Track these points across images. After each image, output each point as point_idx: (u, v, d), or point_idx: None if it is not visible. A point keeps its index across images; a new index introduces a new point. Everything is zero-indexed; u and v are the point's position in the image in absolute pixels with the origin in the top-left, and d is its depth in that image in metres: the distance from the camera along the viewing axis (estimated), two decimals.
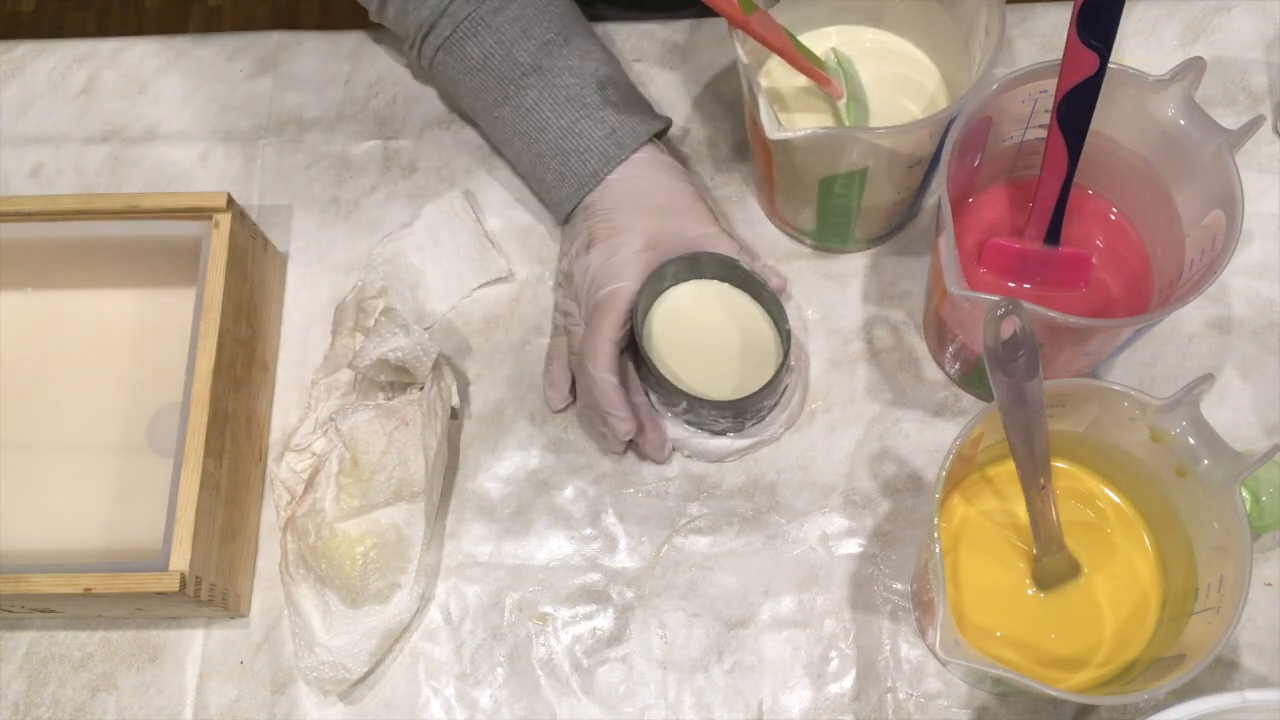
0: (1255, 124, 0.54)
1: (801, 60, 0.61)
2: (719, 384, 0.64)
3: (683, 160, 0.73)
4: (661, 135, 0.68)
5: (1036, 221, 0.61)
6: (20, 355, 0.70)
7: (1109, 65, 0.54)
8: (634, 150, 0.66)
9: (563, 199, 0.67)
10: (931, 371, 0.68)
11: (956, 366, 0.67)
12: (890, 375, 0.68)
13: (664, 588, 0.65)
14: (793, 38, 0.60)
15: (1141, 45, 0.75)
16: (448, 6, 0.66)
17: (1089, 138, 0.57)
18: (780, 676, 0.63)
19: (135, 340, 0.70)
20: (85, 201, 0.65)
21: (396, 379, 0.64)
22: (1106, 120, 0.58)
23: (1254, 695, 0.48)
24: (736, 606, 0.64)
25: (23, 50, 0.79)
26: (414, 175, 0.74)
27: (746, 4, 0.57)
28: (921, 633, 0.63)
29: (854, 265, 0.71)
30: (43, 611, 0.63)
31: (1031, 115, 0.60)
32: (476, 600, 0.65)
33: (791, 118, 0.66)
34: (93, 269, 0.69)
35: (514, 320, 0.71)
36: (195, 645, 0.65)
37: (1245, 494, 0.56)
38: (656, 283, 0.64)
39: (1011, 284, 0.64)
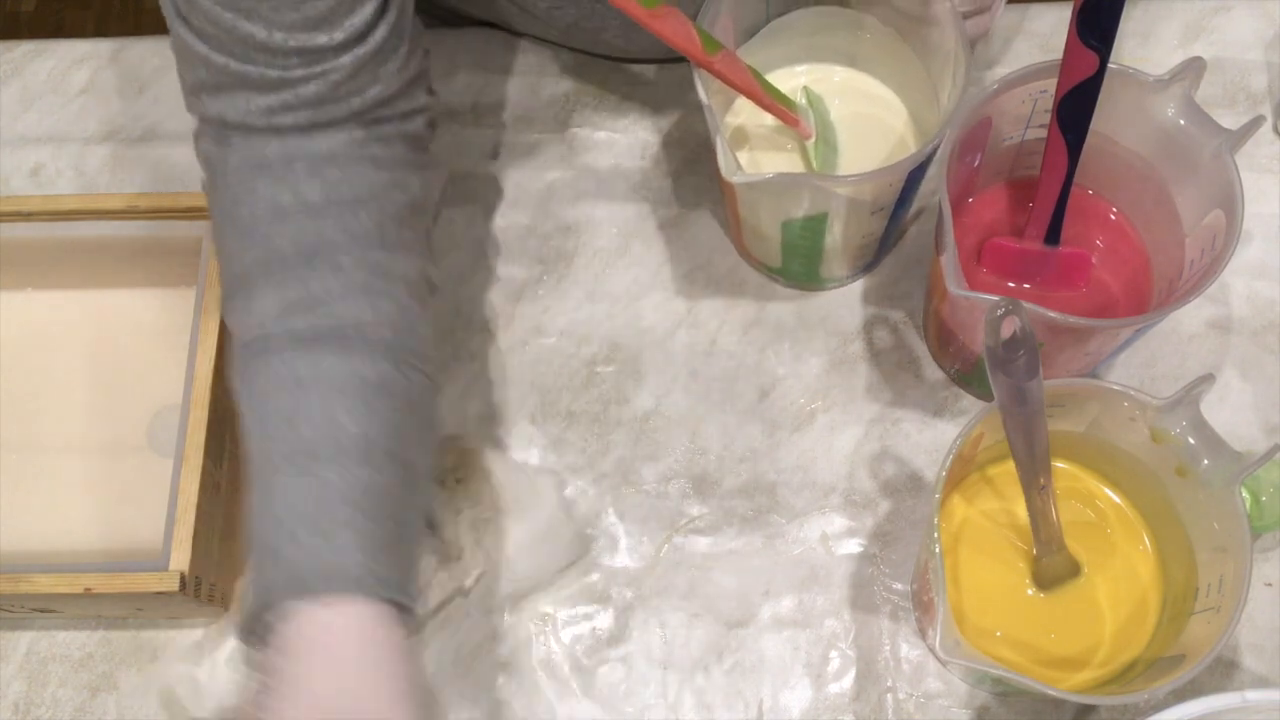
0: (1255, 124, 0.54)
1: (768, 100, 0.60)
2: None
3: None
4: (407, 614, 0.52)
5: (1036, 221, 0.61)
6: (20, 355, 0.70)
7: (1109, 65, 0.54)
8: (336, 599, 0.50)
9: (250, 590, 0.52)
10: (931, 371, 0.68)
11: (956, 366, 0.67)
12: (890, 375, 0.68)
13: (664, 588, 0.65)
14: (759, 77, 0.60)
15: (1141, 45, 0.75)
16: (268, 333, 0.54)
17: (1089, 138, 0.57)
18: (780, 676, 0.63)
19: (135, 340, 0.70)
20: (85, 201, 0.65)
21: None
22: (1106, 120, 0.58)
23: (1254, 695, 0.48)
24: (736, 606, 0.64)
25: (23, 50, 0.79)
26: None
27: (710, 44, 0.56)
28: (921, 633, 0.63)
29: None
30: (43, 611, 0.63)
31: (1031, 115, 0.60)
32: (476, 600, 0.65)
33: (758, 157, 0.65)
34: (93, 269, 0.69)
35: (514, 320, 0.71)
36: (195, 645, 0.65)
37: (1245, 494, 0.56)
38: None
39: (1011, 284, 0.64)
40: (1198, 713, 0.48)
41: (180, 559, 0.58)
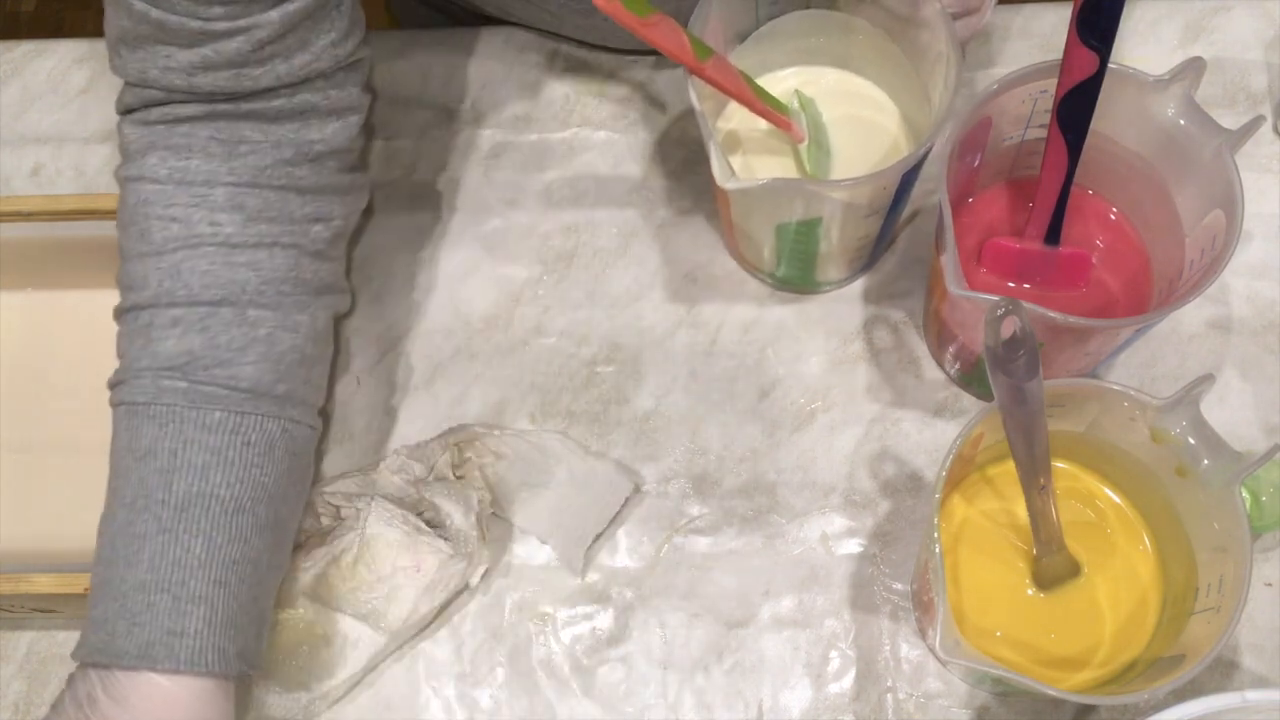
0: (1255, 124, 0.54)
1: (760, 105, 0.60)
2: None
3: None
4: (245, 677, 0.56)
5: (1036, 221, 0.61)
6: (20, 355, 0.70)
7: (1109, 65, 0.54)
8: (177, 673, 0.52)
9: (94, 628, 0.54)
10: (931, 371, 0.68)
11: (956, 366, 0.67)
12: (890, 375, 0.68)
13: (664, 588, 0.65)
14: (751, 82, 0.59)
15: (1141, 45, 0.75)
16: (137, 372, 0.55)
17: (1089, 138, 0.57)
18: (780, 676, 0.63)
19: None
20: (85, 201, 0.65)
21: (438, 519, 0.64)
22: (1106, 120, 0.58)
23: (1254, 695, 0.48)
24: (736, 606, 0.64)
25: (23, 50, 0.79)
26: (414, 175, 0.74)
27: (701, 50, 0.55)
28: (921, 633, 0.63)
29: None
30: (43, 611, 0.63)
31: (1031, 115, 0.60)
32: (476, 600, 0.65)
33: (752, 161, 0.65)
34: (93, 269, 0.69)
35: (514, 320, 0.71)
36: None
37: (1245, 494, 0.56)
38: None
39: (1011, 284, 0.64)
40: (1198, 713, 0.48)
41: None
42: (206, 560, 0.53)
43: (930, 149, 0.57)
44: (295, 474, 0.58)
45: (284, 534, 0.58)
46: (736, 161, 0.65)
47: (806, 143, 0.63)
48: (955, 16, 0.58)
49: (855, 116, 0.65)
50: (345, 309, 0.62)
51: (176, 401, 0.54)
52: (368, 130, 0.59)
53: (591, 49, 0.76)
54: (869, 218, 0.61)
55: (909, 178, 0.59)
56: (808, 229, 0.61)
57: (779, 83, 0.65)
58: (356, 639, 0.61)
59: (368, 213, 0.73)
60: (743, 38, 0.63)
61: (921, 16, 0.59)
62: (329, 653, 0.61)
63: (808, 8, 0.62)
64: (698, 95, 0.57)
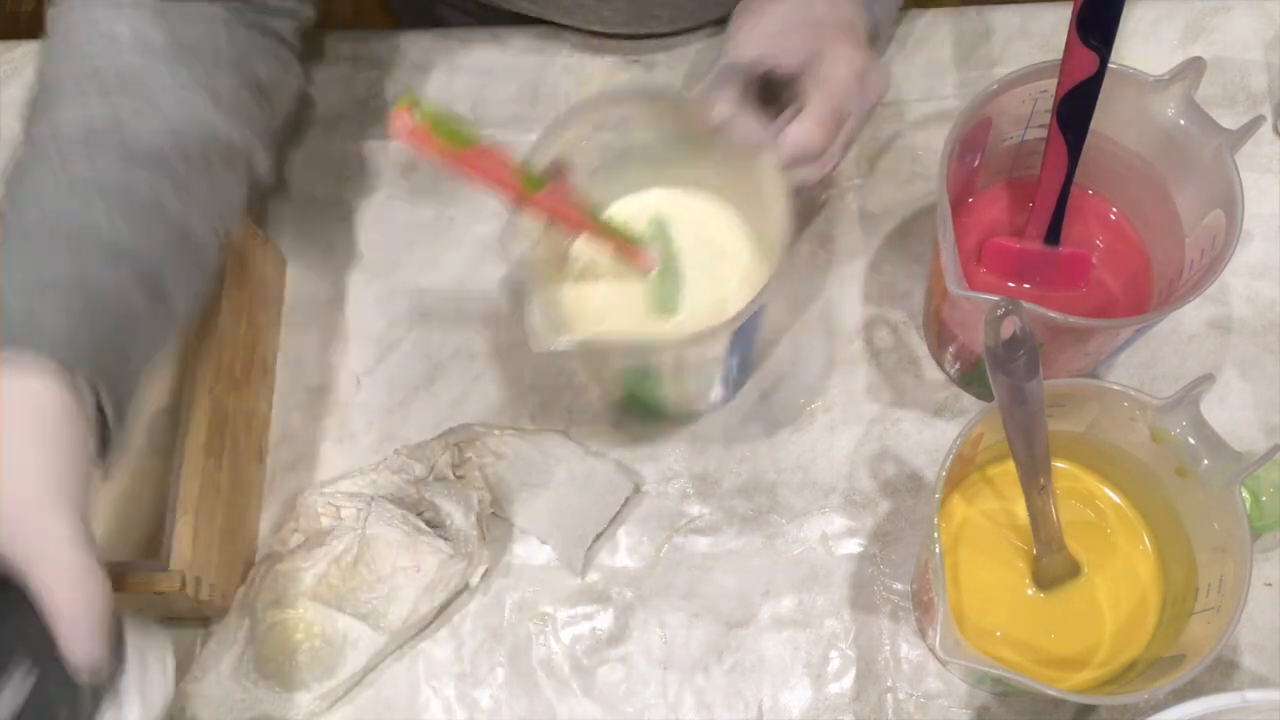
0: (1255, 124, 0.55)
1: (604, 235, 0.58)
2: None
3: None
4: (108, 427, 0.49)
5: (1036, 221, 0.62)
6: None
7: (1109, 65, 0.54)
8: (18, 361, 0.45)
9: None
10: (931, 371, 0.68)
11: (956, 366, 0.67)
12: (890, 375, 0.68)
13: (664, 588, 0.65)
14: (596, 212, 0.57)
15: (1141, 45, 0.75)
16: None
17: (1089, 138, 0.57)
18: (780, 676, 0.63)
19: None
20: None
21: (437, 517, 0.63)
22: (1106, 120, 0.58)
23: (1254, 695, 0.48)
24: (736, 606, 0.64)
25: (23, 50, 0.79)
26: (414, 175, 0.74)
27: (531, 181, 0.51)
28: (921, 633, 0.63)
29: (854, 265, 0.71)
30: None
31: (1031, 115, 0.60)
32: (476, 600, 0.65)
33: (596, 290, 0.62)
34: None
35: (514, 320, 0.71)
36: (195, 645, 0.65)
37: (1245, 494, 0.56)
38: None
39: (1011, 284, 0.64)
40: (1198, 713, 0.48)
41: (180, 559, 0.57)
42: (76, 279, 0.48)
43: (759, 306, 0.54)
44: (185, 257, 0.54)
45: (163, 300, 0.52)
46: (582, 288, 0.62)
47: (655, 273, 0.61)
48: (795, 163, 0.57)
49: (711, 242, 0.63)
50: (261, 172, 0.59)
51: (73, 148, 0.51)
52: (300, 37, 0.60)
53: (600, 38, 0.76)
54: (706, 365, 0.60)
55: (749, 325, 0.56)
56: (642, 374, 0.61)
57: (636, 205, 0.63)
58: (356, 639, 0.61)
59: (367, 212, 0.73)
60: (603, 158, 0.60)
61: (760, 162, 0.56)
62: (329, 653, 0.61)
63: (670, 133, 0.59)
64: (519, 234, 0.54)
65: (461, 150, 0.47)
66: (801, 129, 0.56)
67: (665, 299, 0.61)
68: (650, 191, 0.64)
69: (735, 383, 0.66)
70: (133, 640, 0.47)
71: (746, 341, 0.62)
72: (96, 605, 0.44)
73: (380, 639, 0.61)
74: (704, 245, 0.63)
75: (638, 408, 0.67)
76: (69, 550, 0.44)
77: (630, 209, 0.63)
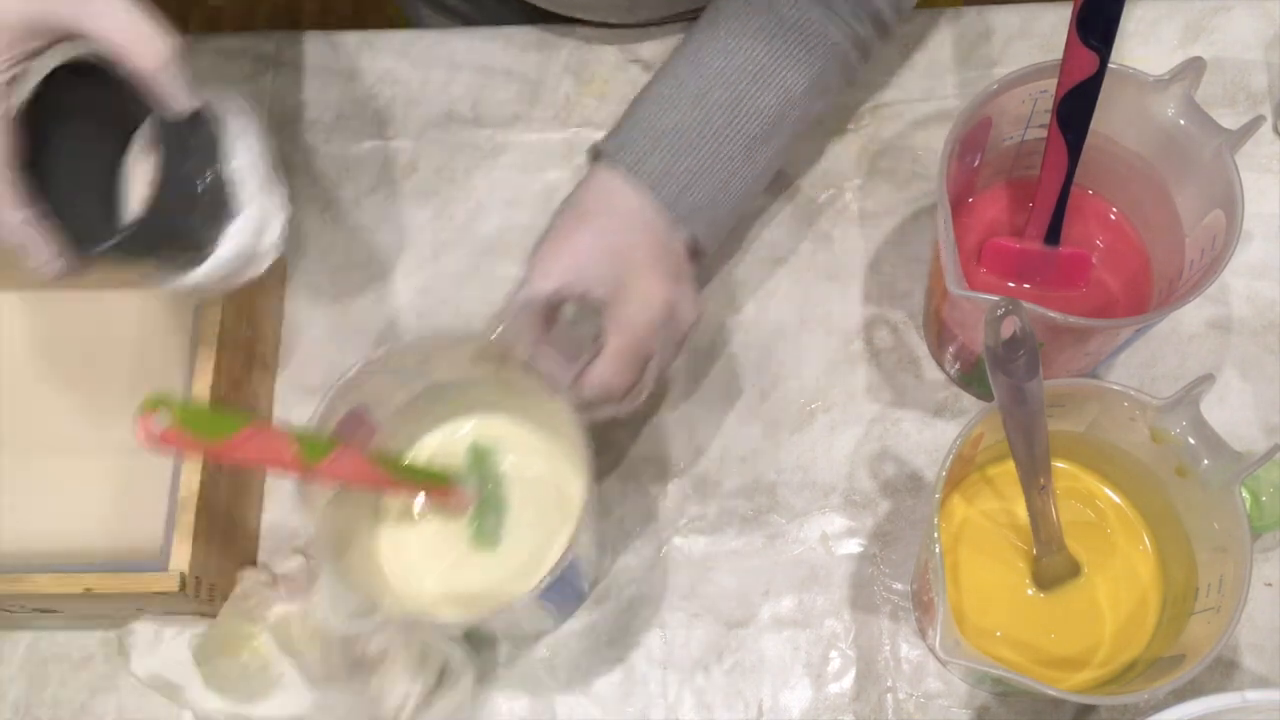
0: (1255, 124, 0.55)
1: (409, 485, 0.56)
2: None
3: None
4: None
5: (1036, 221, 0.62)
6: (20, 355, 0.70)
7: (1109, 65, 0.54)
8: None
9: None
10: (931, 371, 0.68)
11: (956, 366, 0.67)
12: (890, 375, 0.68)
13: (664, 588, 0.65)
14: (395, 460, 0.55)
15: (1141, 45, 0.75)
16: None
17: (1089, 138, 0.57)
18: (780, 676, 0.63)
19: (135, 340, 0.70)
20: None
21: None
22: (1106, 120, 0.58)
23: (1254, 695, 0.48)
24: (736, 606, 0.64)
25: None
26: (414, 175, 0.74)
27: (314, 450, 0.48)
28: (921, 633, 0.63)
29: (854, 265, 0.71)
30: (43, 611, 0.63)
31: (1031, 115, 0.60)
32: None
33: (418, 531, 0.61)
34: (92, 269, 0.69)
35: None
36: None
37: (1245, 494, 0.56)
38: None
39: (1011, 284, 0.64)
40: (1198, 713, 0.48)
41: (180, 559, 0.57)
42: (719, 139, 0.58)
43: (576, 558, 0.53)
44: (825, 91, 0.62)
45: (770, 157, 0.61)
46: (405, 534, 0.61)
47: (474, 507, 0.60)
48: (599, 403, 0.56)
49: (532, 469, 0.61)
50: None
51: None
52: None
53: (599, 28, 0.76)
54: (516, 617, 0.59)
55: (560, 581, 0.53)
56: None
57: (454, 435, 0.62)
58: (289, 685, 0.59)
59: (367, 212, 0.73)
60: (418, 394, 0.59)
61: (558, 406, 0.55)
62: (261, 680, 0.60)
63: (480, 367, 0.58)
64: (310, 505, 0.51)
65: (225, 438, 0.45)
66: (600, 373, 0.55)
67: (485, 534, 0.60)
68: (467, 419, 0.62)
69: (566, 610, 0.64)
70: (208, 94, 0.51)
71: (564, 590, 0.60)
72: (176, 52, 0.47)
73: (307, 699, 0.59)
74: (525, 471, 0.61)
75: (474, 637, 0.64)
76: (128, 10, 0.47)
77: (445, 440, 0.62)
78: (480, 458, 0.61)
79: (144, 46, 0.46)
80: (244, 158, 0.51)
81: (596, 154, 0.60)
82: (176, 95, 0.48)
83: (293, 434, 0.48)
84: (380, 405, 0.57)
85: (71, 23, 0.46)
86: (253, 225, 0.52)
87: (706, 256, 0.61)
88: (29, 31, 0.46)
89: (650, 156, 0.57)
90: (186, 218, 0.50)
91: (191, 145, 0.50)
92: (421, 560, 0.60)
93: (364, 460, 0.53)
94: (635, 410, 0.59)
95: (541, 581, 0.52)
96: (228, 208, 0.51)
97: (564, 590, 0.60)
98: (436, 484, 0.59)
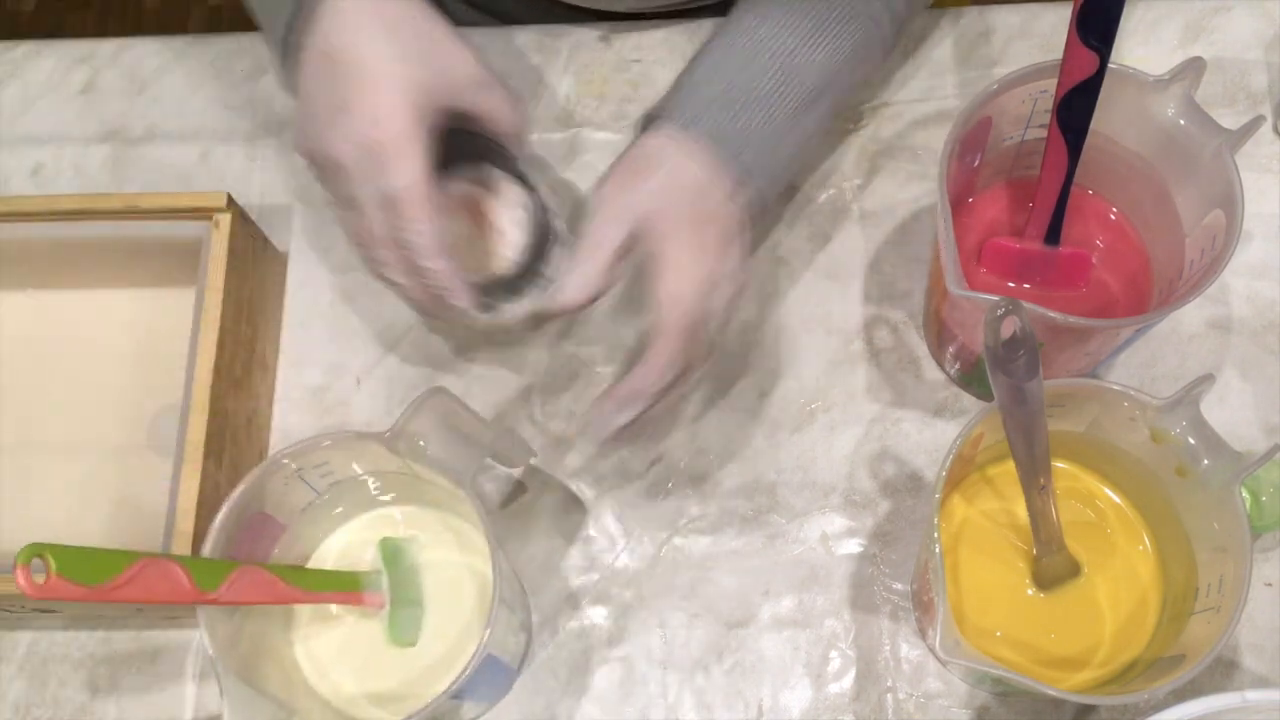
0: (1255, 124, 0.55)
1: (315, 595, 0.55)
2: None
3: None
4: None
5: (1036, 221, 0.62)
6: (20, 355, 0.70)
7: (1109, 65, 0.54)
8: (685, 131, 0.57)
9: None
10: (931, 371, 0.68)
11: (956, 366, 0.67)
12: (890, 375, 0.68)
13: (664, 588, 0.65)
14: (299, 571, 0.54)
15: (1141, 45, 0.75)
16: None
17: (1089, 138, 0.57)
18: (780, 676, 0.63)
19: (135, 340, 0.70)
20: (85, 201, 0.65)
21: None
22: (1106, 120, 0.58)
23: (1254, 695, 0.48)
24: (736, 606, 0.64)
25: (23, 50, 0.79)
26: None
27: (209, 575, 0.47)
28: (921, 633, 0.63)
29: (854, 265, 0.71)
30: (43, 611, 0.63)
31: (1031, 115, 0.60)
32: None
33: (333, 633, 0.60)
34: (93, 269, 0.69)
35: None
36: (195, 645, 0.65)
37: (1245, 494, 0.56)
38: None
39: (1011, 284, 0.64)
40: (1198, 713, 0.48)
41: None
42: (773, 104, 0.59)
43: (488, 658, 0.51)
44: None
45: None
46: (320, 637, 0.60)
47: (389, 605, 0.59)
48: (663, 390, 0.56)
49: (450, 561, 0.61)
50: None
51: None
52: None
53: (606, 27, 0.76)
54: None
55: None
56: None
57: (367, 527, 0.61)
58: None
59: None
60: (325, 492, 0.59)
61: (463, 509, 0.54)
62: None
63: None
64: (210, 638, 0.49)
65: (112, 579, 0.43)
66: (654, 358, 0.55)
67: (402, 630, 0.59)
68: (380, 510, 0.62)
69: (497, 694, 0.62)
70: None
71: (489, 679, 0.59)
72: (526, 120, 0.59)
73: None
74: (438, 560, 0.61)
75: None
76: (501, 88, 0.57)
77: (357, 533, 0.62)
78: (391, 553, 0.60)
79: (514, 116, 0.57)
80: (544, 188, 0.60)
81: (647, 120, 0.60)
82: (525, 144, 0.59)
83: (185, 564, 0.47)
84: (284, 506, 0.57)
85: (470, 106, 0.55)
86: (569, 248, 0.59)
87: (765, 216, 0.63)
88: (441, 113, 0.54)
89: (703, 118, 0.58)
90: (550, 251, 0.59)
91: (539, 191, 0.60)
92: (339, 659, 0.59)
93: (266, 576, 0.51)
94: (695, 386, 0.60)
95: (454, 683, 0.50)
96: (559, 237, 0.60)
97: (489, 679, 0.59)
98: (346, 590, 0.58)
